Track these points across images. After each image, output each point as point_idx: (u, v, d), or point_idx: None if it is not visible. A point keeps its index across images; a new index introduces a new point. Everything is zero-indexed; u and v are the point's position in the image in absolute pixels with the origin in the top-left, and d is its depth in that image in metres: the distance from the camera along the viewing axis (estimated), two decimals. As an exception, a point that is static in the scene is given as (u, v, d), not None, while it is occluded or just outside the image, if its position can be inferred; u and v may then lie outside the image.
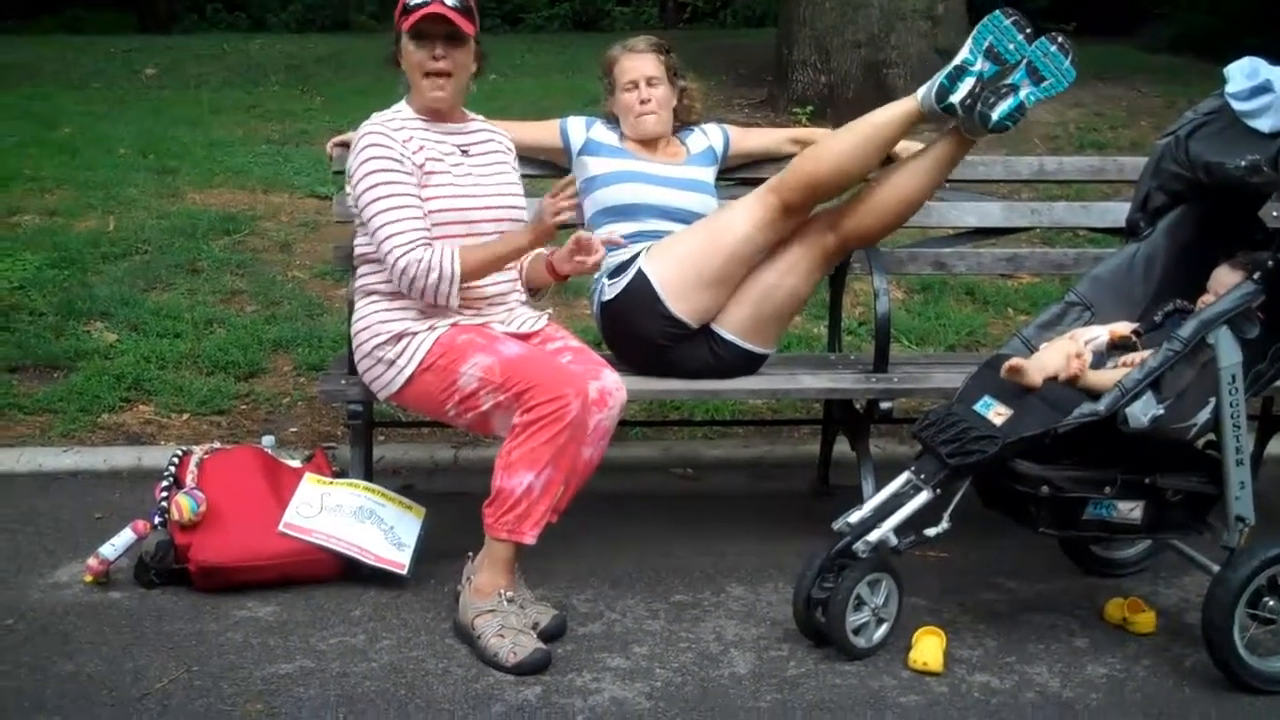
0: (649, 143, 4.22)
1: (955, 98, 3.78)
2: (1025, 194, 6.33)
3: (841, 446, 4.49)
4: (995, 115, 3.76)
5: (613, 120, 4.27)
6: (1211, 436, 3.30)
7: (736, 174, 4.38)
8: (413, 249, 3.51)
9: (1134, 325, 3.53)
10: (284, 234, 6.72)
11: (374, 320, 3.65)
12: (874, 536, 3.31)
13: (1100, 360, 3.41)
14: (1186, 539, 3.51)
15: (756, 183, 4.32)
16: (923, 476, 3.34)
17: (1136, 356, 3.33)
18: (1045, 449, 3.23)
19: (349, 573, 3.71)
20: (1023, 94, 3.77)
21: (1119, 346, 3.45)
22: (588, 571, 3.86)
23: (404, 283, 3.54)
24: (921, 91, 3.85)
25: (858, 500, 3.56)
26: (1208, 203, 3.60)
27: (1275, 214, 4.21)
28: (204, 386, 5.13)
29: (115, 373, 5.15)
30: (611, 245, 3.81)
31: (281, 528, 3.67)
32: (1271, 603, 3.27)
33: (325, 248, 6.23)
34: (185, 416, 4.97)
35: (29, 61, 11.50)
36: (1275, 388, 3.76)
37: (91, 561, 3.69)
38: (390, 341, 3.60)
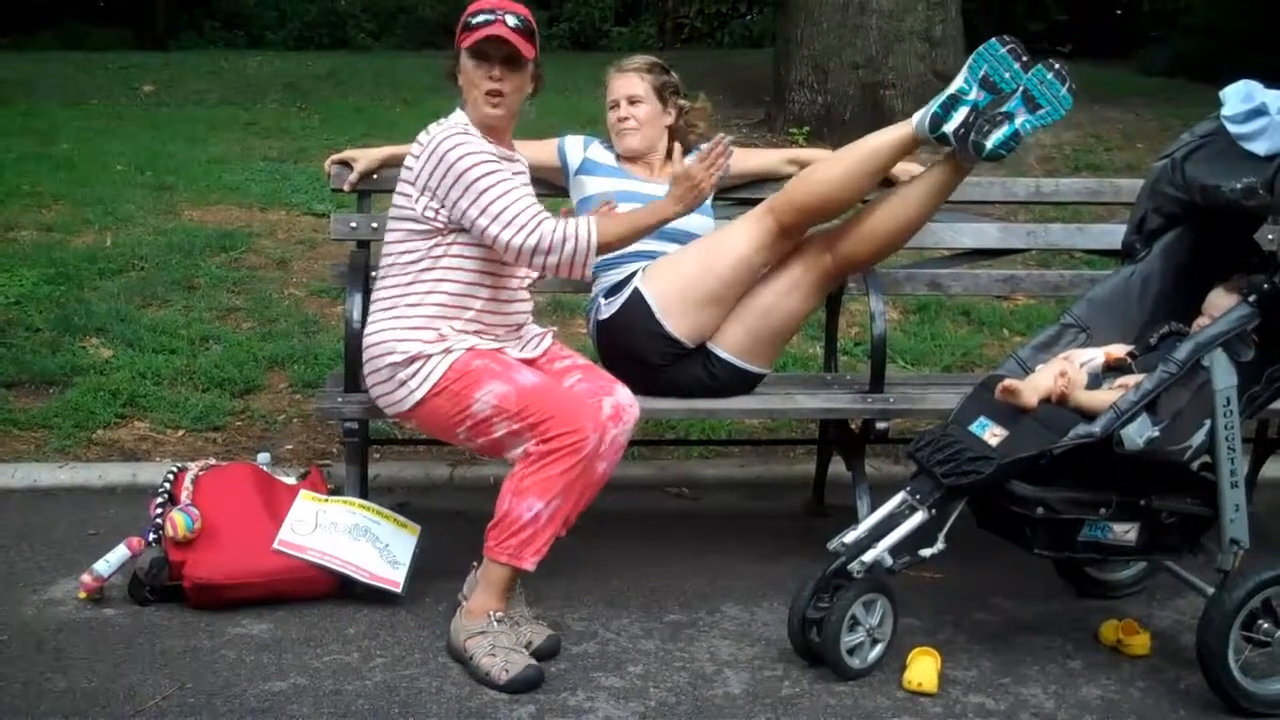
0: (645, 163, 4.23)
1: (949, 127, 3.78)
2: (1022, 215, 6.35)
3: (837, 467, 4.49)
4: (989, 144, 3.76)
5: (610, 140, 4.29)
6: (1206, 459, 3.31)
7: (734, 194, 4.38)
8: (541, 223, 3.46)
9: (1129, 347, 3.53)
10: (281, 251, 6.73)
11: (390, 337, 3.58)
12: (869, 557, 3.30)
13: (1096, 382, 3.42)
14: (1181, 561, 3.51)
15: (753, 203, 4.33)
16: (918, 497, 3.34)
17: (1131, 378, 3.33)
18: (1041, 470, 3.23)
19: (343, 590, 3.70)
20: (1018, 122, 3.77)
21: (1114, 368, 3.45)
22: (582, 590, 3.85)
23: (537, 258, 3.46)
24: (916, 118, 3.86)
25: (853, 520, 3.56)
26: (1203, 225, 3.60)
27: (1271, 237, 4.23)
28: (199, 403, 5.12)
29: (111, 389, 5.15)
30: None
31: (276, 545, 3.67)
32: (1266, 625, 3.27)
33: (322, 265, 6.25)
34: (180, 433, 4.97)
35: (27, 78, 11.51)
36: (1270, 410, 3.76)
37: (85, 578, 3.69)
38: (405, 362, 3.54)
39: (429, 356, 3.53)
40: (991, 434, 3.32)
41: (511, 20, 3.55)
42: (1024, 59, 3.80)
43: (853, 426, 4.35)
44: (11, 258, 6.33)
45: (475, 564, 3.52)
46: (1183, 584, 3.53)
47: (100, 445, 4.87)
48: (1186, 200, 3.56)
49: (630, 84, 4.20)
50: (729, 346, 3.94)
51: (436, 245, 3.56)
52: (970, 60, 3.83)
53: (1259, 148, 3.37)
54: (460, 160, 3.48)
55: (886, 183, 4.08)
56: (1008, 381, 3.38)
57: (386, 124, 9.28)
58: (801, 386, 4.32)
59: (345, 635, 3.55)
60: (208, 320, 5.85)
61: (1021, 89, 3.79)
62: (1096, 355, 3.49)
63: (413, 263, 3.59)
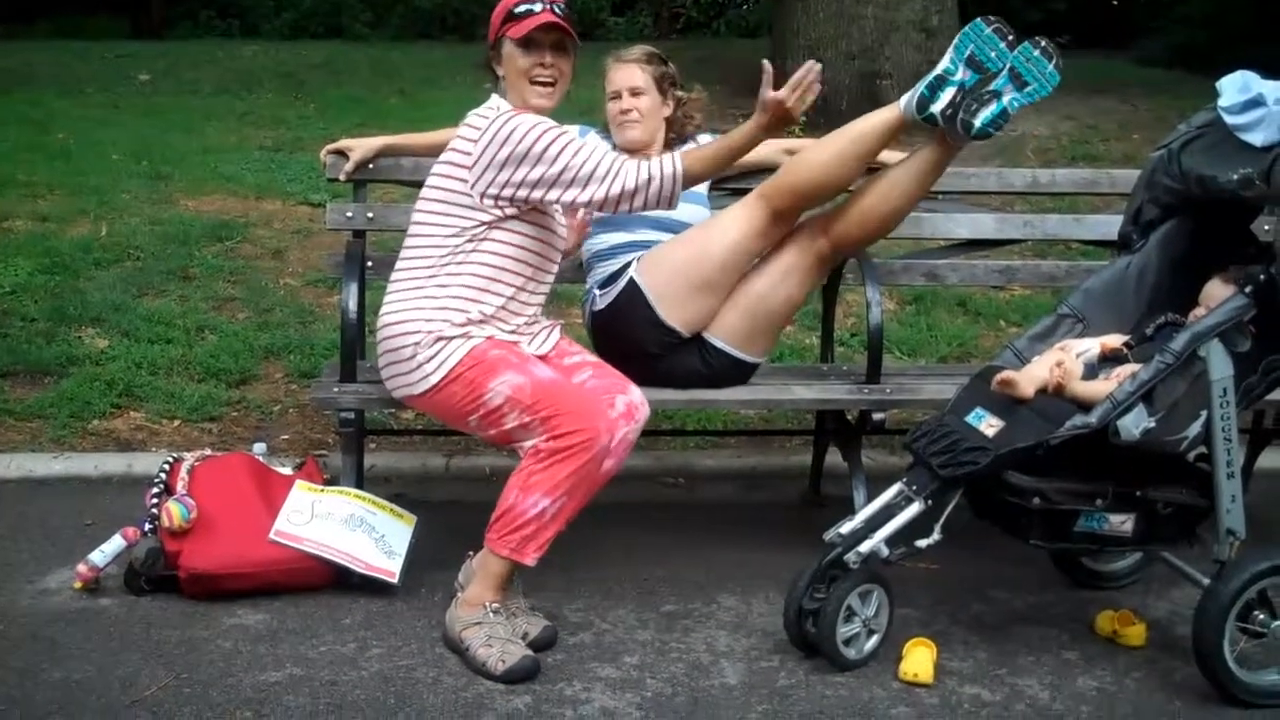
0: (641, 153, 4.22)
1: (936, 108, 3.77)
2: (1018, 206, 6.35)
3: (833, 457, 4.49)
4: (977, 123, 3.75)
5: (609, 129, 4.27)
6: (1203, 449, 3.31)
7: (729, 184, 4.38)
8: (621, 163, 3.49)
9: (1125, 338, 3.53)
10: (277, 241, 6.72)
11: (416, 316, 3.53)
12: (865, 548, 3.31)
13: (1092, 373, 3.42)
14: (1177, 552, 3.51)
15: (747, 193, 4.34)
16: (914, 488, 3.34)
17: (1128, 369, 3.33)
18: (1037, 461, 3.23)
19: (339, 581, 3.70)
20: (1005, 100, 3.76)
21: (1110, 359, 3.45)
22: (578, 581, 3.85)
23: (624, 204, 3.50)
24: (903, 100, 3.85)
25: (849, 511, 3.56)
26: (1200, 216, 3.60)
27: (1267, 228, 4.22)
28: (195, 393, 5.12)
29: (106, 379, 5.14)
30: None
31: (272, 535, 3.67)
32: (1261, 616, 3.27)
33: (318, 255, 6.24)
34: (176, 423, 4.97)
35: (23, 67, 11.49)
36: (1266, 401, 3.76)
37: (81, 568, 3.68)
38: (426, 344, 3.51)
39: (450, 339, 3.50)
40: (988, 425, 3.32)
41: (558, 8, 3.58)
42: (1010, 37, 3.78)
43: (849, 417, 4.35)
44: (6, 247, 6.32)
45: (470, 553, 3.52)
46: (1179, 575, 3.53)
47: (96, 435, 4.86)
48: (1183, 191, 3.55)
49: (632, 75, 4.19)
50: (724, 336, 3.94)
51: (479, 228, 3.53)
52: (956, 40, 3.81)
53: (1256, 138, 3.36)
54: (528, 135, 3.47)
55: (878, 166, 4.07)
56: (1004, 373, 3.38)
57: (382, 114, 9.27)
58: (798, 377, 4.32)
59: (341, 626, 3.55)
60: (204, 310, 5.84)
61: (1008, 67, 3.77)
62: (1092, 346, 3.49)
63: (449, 243, 3.55)
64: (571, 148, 3.49)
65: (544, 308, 3.80)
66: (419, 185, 3.81)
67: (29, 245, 6.36)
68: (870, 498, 3.50)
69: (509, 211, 3.54)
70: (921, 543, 3.32)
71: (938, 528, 3.32)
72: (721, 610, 3.73)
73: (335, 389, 3.90)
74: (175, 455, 3.96)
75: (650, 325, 3.88)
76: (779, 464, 4.93)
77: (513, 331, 3.62)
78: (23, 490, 4.46)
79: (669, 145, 4.27)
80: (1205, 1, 13.74)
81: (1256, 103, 3.38)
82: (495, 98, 3.65)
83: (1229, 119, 3.45)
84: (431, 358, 3.50)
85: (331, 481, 4.02)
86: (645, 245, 3.99)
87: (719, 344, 3.94)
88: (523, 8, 3.57)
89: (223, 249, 6.57)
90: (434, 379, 3.51)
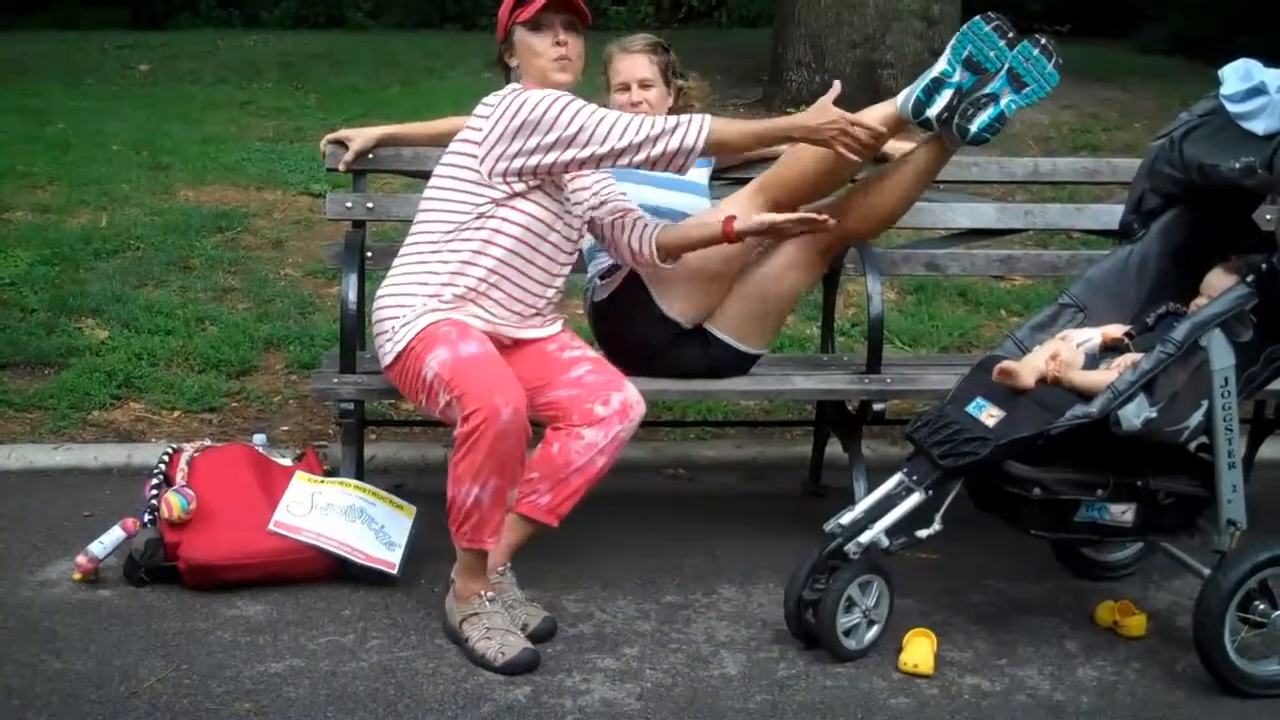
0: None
1: (931, 111, 3.75)
2: (1019, 195, 6.33)
3: (833, 448, 4.48)
4: (973, 128, 3.73)
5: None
6: (1204, 439, 3.30)
7: (731, 174, 4.38)
8: (643, 119, 3.47)
9: (1126, 327, 3.52)
10: (277, 232, 6.71)
11: (401, 289, 3.56)
12: (865, 538, 3.30)
13: (1093, 363, 3.41)
14: (1178, 542, 3.51)
15: (747, 182, 4.33)
16: (915, 478, 3.34)
17: (1128, 358, 3.32)
18: (1037, 451, 3.23)
19: (339, 572, 3.70)
20: (1003, 103, 3.73)
21: (1112, 349, 3.45)
22: (578, 572, 3.85)
23: (646, 148, 3.45)
24: (900, 99, 3.83)
25: (849, 502, 3.56)
26: (1201, 205, 3.59)
27: (1269, 217, 4.21)
28: (195, 384, 5.11)
29: (106, 370, 5.14)
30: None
31: (272, 526, 3.67)
32: (1262, 606, 3.27)
33: (318, 246, 6.22)
34: (176, 414, 4.96)
35: (22, 57, 11.46)
36: (1267, 390, 3.75)
37: (81, 559, 3.68)
38: (403, 314, 3.52)
39: (418, 316, 3.50)
40: (988, 415, 3.31)
41: None
42: (1010, 35, 3.75)
43: (850, 408, 4.34)
44: (6, 239, 6.31)
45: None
46: (1179, 565, 3.53)
47: (96, 426, 4.86)
48: (1184, 180, 3.54)
49: (640, 66, 4.16)
50: (726, 328, 3.93)
51: (488, 205, 3.52)
52: (954, 40, 3.79)
53: (1258, 127, 3.36)
54: (540, 103, 3.46)
55: (883, 158, 4.06)
56: (1004, 364, 3.38)
57: (383, 104, 9.24)
58: (798, 368, 4.31)
59: (341, 617, 3.55)
60: (204, 301, 5.83)
61: (1007, 67, 3.75)
62: (1093, 335, 3.48)
63: (455, 221, 3.54)
64: (586, 110, 3.48)
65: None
66: (419, 175, 3.80)
67: (29, 236, 6.35)
68: (871, 488, 3.50)
69: (517, 188, 3.52)
70: (922, 533, 3.31)
71: (938, 518, 3.32)
72: (721, 601, 3.73)
73: (335, 380, 3.89)
74: (175, 446, 3.96)
75: (651, 317, 3.88)
76: (779, 454, 4.92)
77: (508, 319, 3.60)
78: (22, 481, 4.46)
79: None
80: (1206, -10, 13.70)
81: (1258, 91, 3.38)
82: (511, 85, 3.65)
83: (1231, 107, 3.44)
84: (399, 329, 3.51)
85: (331, 472, 4.02)
86: None
87: (721, 336, 3.93)
88: None
89: (223, 239, 6.56)
90: (396, 350, 3.51)
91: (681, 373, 3.95)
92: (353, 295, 3.87)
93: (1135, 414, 3.16)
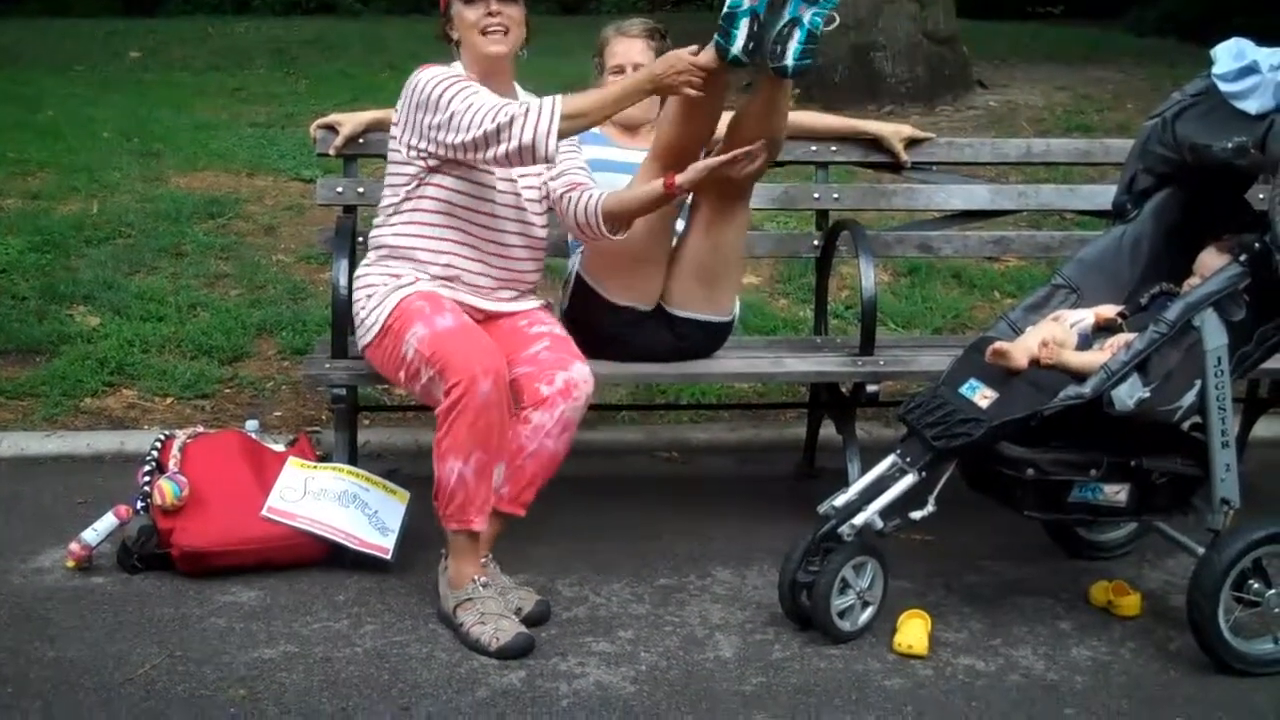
0: (632, 128, 4.19)
1: (736, 48, 3.46)
2: (1012, 176, 6.32)
3: (827, 430, 4.48)
4: (789, 61, 3.51)
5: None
6: (1197, 419, 3.30)
7: (722, 156, 4.37)
8: (497, 110, 3.42)
9: (1120, 308, 3.52)
10: (269, 218, 6.69)
11: (373, 275, 3.65)
12: (859, 520, 3.30)
13: (1087, 343, 3.41)
14: (1172, 521, 3.51)
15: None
16: (908, 460, 3.33)
17: (1121, 338, 3.32)
18: (1031, 432, 3.23)
19: (333, 558, 3.69)
20: (805, 20, 3.50)
21: (1105, 329, 3.44)
22: (572, 555, 3.85)
23: (493, 149, 3.42)
24: (708, 51, 3.55)
25: (843, 483, 3.55)
26: (1194, 185, 3.59)
27: (1262, 196, 4.20)
28: (188, 371, 5.10)
29: (98, 357, 5.12)
30: None
31: (265, 512, 3.66)
32: (1256, 585, 3.27)
33: (310, 231, 6.21)
34: (169, 401, 4.95)
35: (12, 44, 11.43)
36: (1261, 370, 3.75)
37: (74, 546, 3.67)
38: (374, 292, 3.60)
39: (388, 294, 3.57)
40: (982, 396, 3.31)
41: None
42: None
43: (843, 389, 4.34)
44: (-3, 225, 6.29)
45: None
46: (1173, 544, 3.54)
47: (88, 414, 4.85)
48: (1177, 160, 3.54)
49: (636, 50, 4.12)
50: (681, 304, 3.91)
51: (411, 183, 3.63)
52: None
53: (1250, 106, 3.35)
54: (428, 83, 3.54)
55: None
56: (997, 344, 3.38)
57: (374, 89, 9.21)
58: (792, 350, 4.31)
59: (335, 602, 3.54)
60: (195, 287, 5.81)
61: None
62: (1087, 316, 3.48)
63: (392, 202, 3.67)
64: (461, 96, 3.49)
65: (535, 285, 3.78)
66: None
67: (19, 223, 6.33)
68: (864, 470, 3.50)
69: (430, 163, 3.59)
70: (916, 514, 3.31)
71: (932, 499, 3.32)
72: (716, 583, 3.73)
73: (327, 365, 3.89)
74: (167, 433, 3.95)
75: (605, 310, 3.88)
76: (773, 437, 4.92)
77: (468, 291, 3.65)
78: (15, 469, 4.45)
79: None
80: (1199, -30, 13.69)
81: (1251, 70, 3.37)
82: (425, 65, 3.69)
83: (1223, 86, 3.43)
84: (373, 310, 3.57)
85: (324, 458, 4.00)
86: None
87: (681, 313, 3.91)
88: None
89: (214, 226, 6.54)
90: (374, 332, 3.57)
91: (662, 357, 3.95)
92: (344, 280, 3.85)
93: (1128, 394, 3.16)
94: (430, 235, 3.63)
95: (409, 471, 4.36)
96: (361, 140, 4.18)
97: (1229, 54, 3.45)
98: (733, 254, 3.96)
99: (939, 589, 3.71)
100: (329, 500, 3.72)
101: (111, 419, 4.82)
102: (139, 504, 3.71)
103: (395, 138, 3.67)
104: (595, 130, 4.06)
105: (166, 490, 3.63)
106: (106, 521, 3.70)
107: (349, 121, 4.17)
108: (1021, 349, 3.36)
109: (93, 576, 3.65)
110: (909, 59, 8.84)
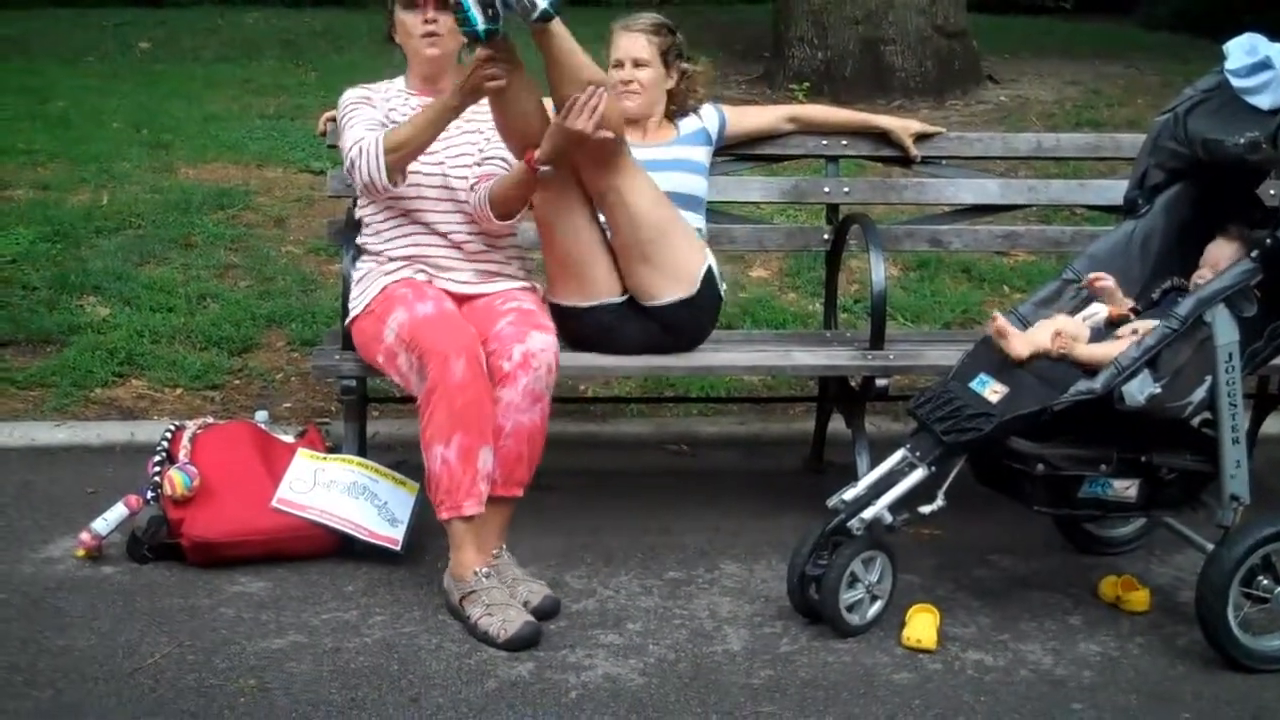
0: (636, 123, 4.18)
1: (479, 25, 3.36)
2: (1023, 171, 6.31)
3: (836, 424, 4.48)
4: (541, 5, 3.34)
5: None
6: (1207, 415, 3.29)
7: (734, 151, 4.39)
8: (351, 146, 3.66)
9: (1131, 303, 3.51)
10: (278, 209, 6.69)
11: (361, 269, 3.82)
12: (868, 514, 3.30)
13: (1099, 338, 3.40)
14: (1181, 517, 3.51)
15: (754, 159, 4.35)
16: (918, 454, 3.33)
17: (1139, 324, 3.31)
18: (1041, 426, 3.22)
19: (342, 548, 3.70)
20: None
21: (1117, 324, 3.44)
22: (581, 548, 3.85)
23: (351, 181, 3.72)
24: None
25: (853, 477, 3.55)
26: (1206, 180, 3.58)
27: (1274, 192, 4.20)
28: (197, 361, 5.11)
29: (108, 347, 5.13)
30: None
31: (275, 503, 3.67)
32: (1265, 581, 3.27)
33: (319, 223, 6.20)
34: (178, 391, 4.96)
35: (22, 35, 11.43)
36: (1271, 366, 3.75)
37: (84, 536, 3.68)
38: (366, 280, 3.77)
39: (376, 279, 3.73)
40: (992, 391, 3.31)
41: None
42: None
43: (852, 383, 4.33)
44: (7, 216, 6.29)
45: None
46: (1182, 540, 3.53)
47: (98, 404, 4.86)
48: (1189, 155, 3.53)
49: (637, 45, 4.12)
50: (644, 293, 3.87)
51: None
52: None
53: (1263, 101, 3.34)
54: (341, 107, 3.85)
55: None
56: (1000, 321, 3.38)
57: (381, 79, 9.23)
58: (801, 343, 4.31)
59: (344, 593, 3.55)
60: (205, 278, 5.82)
61: None
62: (1099, 310, 3.47)
63: (362, 208, 3.91)
64: (346, 126, 3.75)
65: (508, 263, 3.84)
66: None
67: (30, 214, 6.34)
68: (874, 464, 3.50)
69: None
70: (925, 509, 3.31)
71: (941, 494, 3.32)
72: (724, 577, 3.73)
73: (336, 356, 3.89)
74: (177, 423, 3.96)
75: (570, 317, 3.88)
76: (782, 430, 4.92)
77: (438, 273, 3.78)
78: (25, 459, 4.46)
79: (669, 117, 4.24)
80: (1210, -35, 13.64)
81: (1264, 65, 3.36)
82: (401, 77, 3.91)
83: (1236, 82, 3.43)
84: (360, 295, 3.74)
85: (334, 449, 4.01)
86: None
87: (650, 304, 3.88)
88: None
89: (224, 217, 6.54)
90: (355, 311, 3.73)
91: (659, 347, 3.94)
92: (352, 271, 3.86)
93: (1139, 389, 3.16)
94: (392, 234, 3.80)
95: (418, 462, 4.33)
96: (371, 132, 4.18)
97: (1241, 49, 3.45)
98: (658, 221, 3.81)
99: (948, 583, 3.71)
100: (339, 491, 3.73)
101: (121, 409, 4.83)
102: (149, 494, 3.72)
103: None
104: None
105: (177, 480, 3.64)
106: (117, 511, 3.71)
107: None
108: (1024, 339, 3.36)
109: (103, 566, 3.66)
110: (919, 53, 8.82)
